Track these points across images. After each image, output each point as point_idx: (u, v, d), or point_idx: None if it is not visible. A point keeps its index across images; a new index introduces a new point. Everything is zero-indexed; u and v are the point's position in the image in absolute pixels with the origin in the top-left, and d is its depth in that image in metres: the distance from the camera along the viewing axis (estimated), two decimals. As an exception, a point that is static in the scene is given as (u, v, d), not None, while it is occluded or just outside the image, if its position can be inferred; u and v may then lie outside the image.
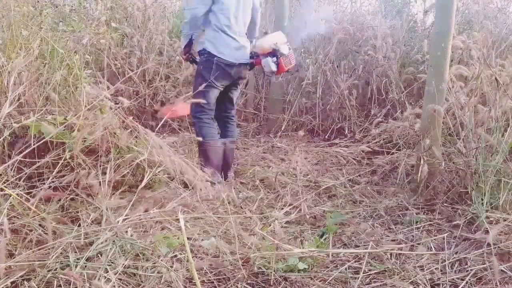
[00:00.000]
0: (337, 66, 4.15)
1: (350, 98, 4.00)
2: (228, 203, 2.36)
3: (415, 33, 4.37)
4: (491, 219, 2.11)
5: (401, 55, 3.99)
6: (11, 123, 2.02)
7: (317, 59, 4.19)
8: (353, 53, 4.20)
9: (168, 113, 3.47)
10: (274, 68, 2.90)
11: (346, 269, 1.83)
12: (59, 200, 2.03)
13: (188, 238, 1.89)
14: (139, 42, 3.96)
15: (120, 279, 1.62)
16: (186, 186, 2.41)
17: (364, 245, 2.06)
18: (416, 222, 2.25)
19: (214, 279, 1.72)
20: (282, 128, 4.13)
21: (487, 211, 2.14)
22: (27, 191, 1.96)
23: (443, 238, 2.06)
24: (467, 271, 1.79)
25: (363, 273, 1.78)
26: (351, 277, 1.77)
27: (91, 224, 1.96)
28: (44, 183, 2.01)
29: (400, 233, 2.19)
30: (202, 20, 2.78)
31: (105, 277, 1.59)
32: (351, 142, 3.83)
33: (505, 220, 2.05)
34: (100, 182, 2.04)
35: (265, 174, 2.99)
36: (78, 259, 1.67)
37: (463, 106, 2.50)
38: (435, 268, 1.81)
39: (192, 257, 1.60)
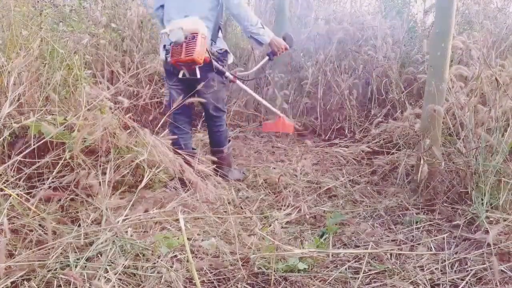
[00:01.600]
0: (337, 66, 4.15)
1: (350, 98, 4.00)
2: (228, 203, 2.36)
3: (415, 33, 4.38)
4: (491, 219, 2.11)
5: (401, 55, 3.99)
6: (11, 123, 2.02)
7: (317, 60, 4.19)
8: (353, 53, 4.20)
9: (265, 128, 3.54)
10: (162, 56, 2.71)
11: (346, 269, 1.83)
12: (59, 200, 2.03)
13: (188, 238, 1.89)
14: (137, 46, 3.97)
15: (120, 279, 1.62)
16: (184, 184, 2.41)
17: (364, 245, 2.06)
18: (416, 222, 2.25)
19: (214, 279, 1.73)
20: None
21: (487, 211, 2.14)
22: (27, 191, 1.96)
23: (443, 238, 2.06)
24: (467, 271, 1.79)
25: (363, 273, 1.78)
26: (351, 277, 1.77)
27: (91, 224, 1.96)
28: (44, 183, 2.02)
29: (400, 233, 2.19)
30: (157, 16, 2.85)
31: (105, 277, 1.59)
32: (351, 142, 3.83)
33: (505, 220, 2.05)
34: (100, 182, 2.04)
35: (266, 174, 2.99)
36: (78, 259, 1.67)
37: (463, 106, 2.50)
38: (435, 268, 1.81)
39: (192, 257, 1.60)
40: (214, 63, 2.68)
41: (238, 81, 3.03)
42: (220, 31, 2.80)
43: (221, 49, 2.78)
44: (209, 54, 2.64)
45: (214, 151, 2.94)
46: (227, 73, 2.82)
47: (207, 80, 2.70)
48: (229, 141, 3.02)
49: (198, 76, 2.61)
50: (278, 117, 3.46)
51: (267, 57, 3.08)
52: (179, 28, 2.48)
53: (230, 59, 2.89)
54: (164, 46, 2.67)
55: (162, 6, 2.82)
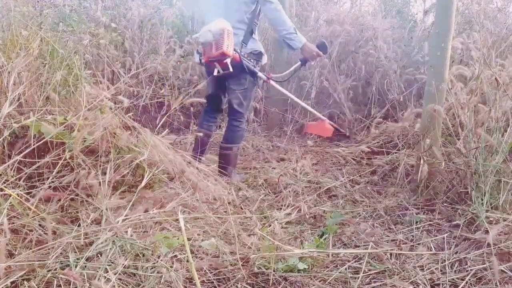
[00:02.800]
0: (337, 67, 4.14)
1: (350, 99, 4.00)
2: (228, 203, 2.36)
3: (415, 33, 4.37)
4: (491, 219, 2.11)
5: (401, 56, 3.99)
6: (11, 123, 2.02)
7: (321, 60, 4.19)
8: (353, 53, 4.20)
9: (308, 129, 3.68)
10: (196, 59, 2.83)
11: (346, 269, 1.83)
12: (59, 200, 2.02)
13: (188, 238, 1.89)
14: (138, 46, 3.97)
15: (120, 279, 1.62)
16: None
17: (364, 245, 2.06)
18: (416, 222, 2.25)
19: (214, 279, 1.72)
20: (282, 128, 4.13)
21: (487, 211, 2.14)
22: (27, 191, 1.96)
23: (443, 238, 2.06)
24: (467, 271, 1.79)
25: (363, 273, 1.78)
26: (351, 277, 1.77)
27: (91, 224, 1.96)
28: (44, 183, 2.01)
29: (400, 233, 2.19)
30: None
31: (105, 277, 1.59)
32: (351, 142, 3.83)
33: (505, 220, 2.05)
34: (100, 182, 2.04)
35: (267, 174, 2.99)
36: (78, 259, 1.66)
37: (463, 106, 2.50)
38: (435, 268, 1.81)
39: (192, 257, 1.60)
40: (245, 62, 2.76)
41: (272, 82, 3.14)
42: (254, 33, 2.88)
43: (255, 50, 2.87)
44: (238, 54, 2.72)
45: (223, 147, 2.99)
46: (259, 74, 2.92)
47: (238, 78, 2.82)
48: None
49: (231, 69, 2.66)
50: (321, 120, 3.56)
51: (299, 62, 3.17)
52: (208, 31, 2.57)
53: (264, 59, 2.99)
54: (197, 50, 2.75)
55: None
